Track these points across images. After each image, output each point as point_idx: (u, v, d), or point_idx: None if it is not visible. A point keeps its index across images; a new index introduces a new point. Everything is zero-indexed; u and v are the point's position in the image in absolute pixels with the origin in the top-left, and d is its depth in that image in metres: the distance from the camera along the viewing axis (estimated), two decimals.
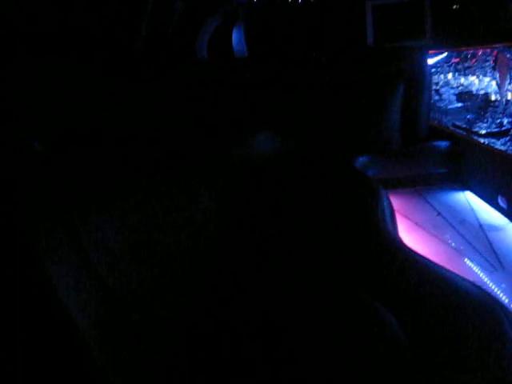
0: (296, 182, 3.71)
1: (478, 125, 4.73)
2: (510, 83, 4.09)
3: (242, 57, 5.93)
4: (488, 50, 4.86)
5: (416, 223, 3.87)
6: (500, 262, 3.24)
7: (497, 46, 4.39)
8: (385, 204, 2.98)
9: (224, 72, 5.29)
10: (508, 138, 4.11)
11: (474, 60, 5.28)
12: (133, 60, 3.98)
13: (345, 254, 2.43)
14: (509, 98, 4.04)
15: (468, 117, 5.03)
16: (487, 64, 4.92)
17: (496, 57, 4.61)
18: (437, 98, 5.78)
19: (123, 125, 2.76)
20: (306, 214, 3.00)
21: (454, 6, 6.11)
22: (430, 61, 5.58)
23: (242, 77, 5.01)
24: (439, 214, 4.07)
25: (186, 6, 5.42)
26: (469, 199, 4.37)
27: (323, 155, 4.35)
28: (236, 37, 5.93)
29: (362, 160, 4.47)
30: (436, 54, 5.77)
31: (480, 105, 4.98)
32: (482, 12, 5.68)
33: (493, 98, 4.40)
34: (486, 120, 4.70)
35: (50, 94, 2.48)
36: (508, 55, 4.14)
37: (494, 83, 4.54)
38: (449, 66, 5.84)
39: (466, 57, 5.48)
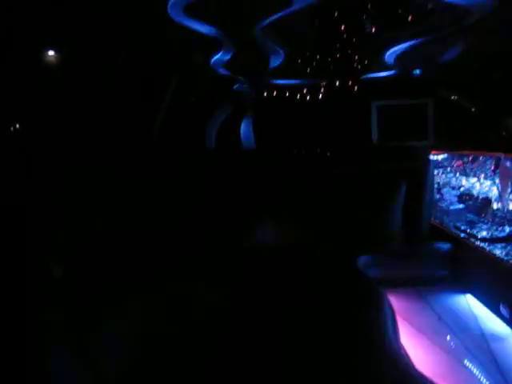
0: (298, 279, 3.71)
1: (479, 227, 4.77)
2: (511, 192, 4.17)
3: (249, 148, 6.08)
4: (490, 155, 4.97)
5: (417, 328, 3.83)
6: (502, 375, 3.18)
7: (497, 154, 4.51)
8: (387, 312, 2.96)
9: (231, 162, 5.40)
10: (510, 245, 4.13)
11: (475, 163, 5.40)
12: (147, 149, 4.12)
13: (344, 365, 2.41)
14: (510, 207, 4.11)
15: (469, 219, 5.09)
16: (488, 167, 5.03)
17: (496, 163, 4.72)
18: (438, 197, 5.87)
19: (132, 224, 2.82)
20: (306, 319, 2.98)
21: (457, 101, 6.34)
22: (433, 160, 5.72)
23: (248, 167, 5.12)
24: (440, 318, 4.04)
25: (198, 98, 5.65)
26: (470, 304, 4.34)
27: (325, 252, 4.37)
28: (244, 129, 6.12)
29: (363, 259, 4.49)
30: (438, 155, 5.92)
31: (481, 207, 5.04)
32: (485, 120, 5.90)
33: (494, 206, 4.47)
34: (487, 224, 4.75)
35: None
36: (509, 165, 4.24)
37: (494, 188, 4.63)
38: (451, 167, 5.97)
39: (467, 159, 5.61)
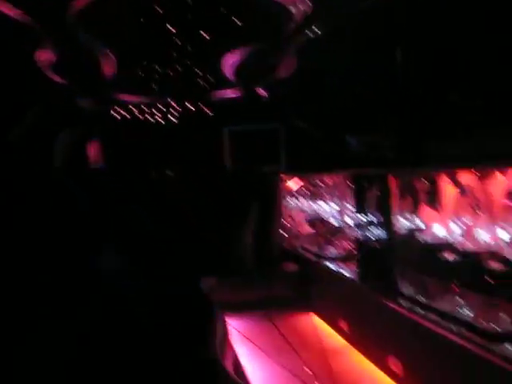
0: (139, 304, 3.53)
1: (327, 249, 4.84)
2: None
3: (97, 168, 5.79)
4: (336, 178, 5.09)
5: (259, 347, 3.75)
6: None
7: (339, 173, 4.62)
8: (218, 334, 2.87)
9: (77, 182, 5.13)
10: (356, 264, 4.17)
11: (324, 186, 5.51)
12: None
13: None
14: (349, 223, 4.17)
15: (318, 241, 5.16)
16: (336, 191, 5.15)
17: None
18: (291, 221, 5.93)
19: None
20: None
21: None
22: (286, 185, 5.80)
23: (93, 188, 4.87)
24: (283, 337, 4.00)
25: (42, 116, 5.28)
26: (315, 322, 4.37)
27: (169, 276, 4.21)
28: (92, 149, 5.82)
29: (208, 281, 4.37)
30: (290, 180, 6.01)
31: (330, 229, 5.14)
32: (331, 142, 6.08)
33: (335, 223, 4.54)
34: (334, 244, 4.82)
35: None
36: (346, 183, 4.35)
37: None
38: (302, 192, 6.07)
39: (317, 183, 5.72)
